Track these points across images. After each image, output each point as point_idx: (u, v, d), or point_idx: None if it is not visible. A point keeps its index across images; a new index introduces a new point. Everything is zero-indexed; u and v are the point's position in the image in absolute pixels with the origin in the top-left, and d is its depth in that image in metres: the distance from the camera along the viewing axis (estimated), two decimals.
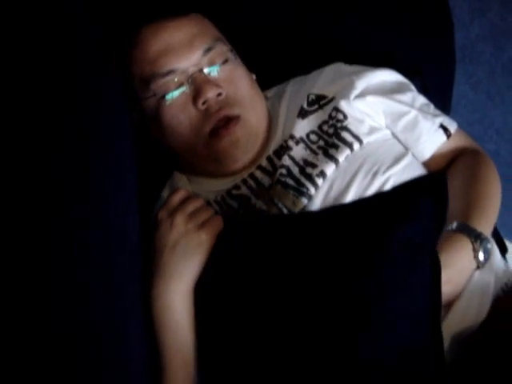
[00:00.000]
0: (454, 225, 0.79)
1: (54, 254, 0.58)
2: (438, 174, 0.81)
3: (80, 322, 0.58)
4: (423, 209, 0.64)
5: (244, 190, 0.87)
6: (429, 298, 0.62)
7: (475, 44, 1.39)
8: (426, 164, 0.93)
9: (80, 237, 0.62)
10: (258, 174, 0.88)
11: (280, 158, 0.87)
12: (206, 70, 0.85)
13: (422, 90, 1.03)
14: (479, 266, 0.78)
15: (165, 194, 0.91)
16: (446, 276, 0.72)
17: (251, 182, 0.87)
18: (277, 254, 0.67)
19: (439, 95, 1.13)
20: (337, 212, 0.69)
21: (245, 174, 0.88)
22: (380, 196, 0.71)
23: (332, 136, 0.86)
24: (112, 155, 0.75)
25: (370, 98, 0.91)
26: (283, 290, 0.64)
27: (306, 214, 0.74)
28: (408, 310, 0.61)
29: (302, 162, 0.86)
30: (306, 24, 1.07)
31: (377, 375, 0.58)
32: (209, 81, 0.84)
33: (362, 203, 0.69)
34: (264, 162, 0.88)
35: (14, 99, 0.63)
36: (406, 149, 0.91)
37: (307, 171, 0.84)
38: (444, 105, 1.13)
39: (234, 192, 0.87)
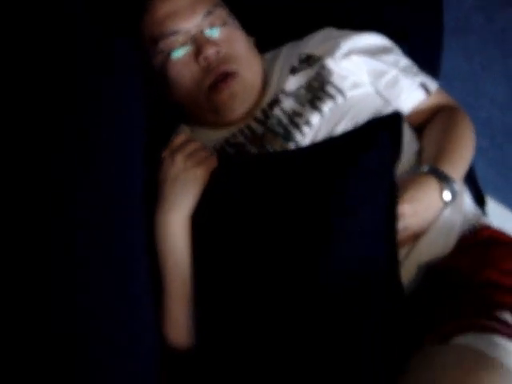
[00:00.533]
0: (425, 168, 0.89)
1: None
2: (395, 112, 0.89)
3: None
4: (380, 141, 0.74)
5: (240, 138, 0.97)
6: (385, 215, 0.72)
7: (468, 15, 1.47)
8: (407, 118, 1.03)
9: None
10: (253, 124, 0.98)
11: (272, 109, 0.98)
12: (206, 31, 0.95)
13: (409, 53, 1.12)
14: (445, 204, 0.88)
15: None
16: (412, 209, 0.83)
17: (247, 132, 0.98)
18: (258, 183, 0.78)
19: (427, 61, 1.21)
20: (309, 148, 0.79)
21: (241, 125, 0.99)
22: (346, 133, 0.82)
23: (318, 90, 0.96)
24: (119, 113, 0.85)
25: (354, 58, 1.01)
26: (262, 212, 0.76)
27: (285, 152, 0.85)
28: (367, 226, 0.72)
29: (291, 113, 0.96)
30: None
31: (336, 283, 0.69)
32: (209, 40, 0.95)
33: (331, 140, 0.79)
34: (258, 114, 0.99)
35: (16, 95, 0.68)
36: (388, 104, 1.00)
37: (295, 120, 0.94)
38: (432, 71, 1.21)
39: (232, 140, 0.98)
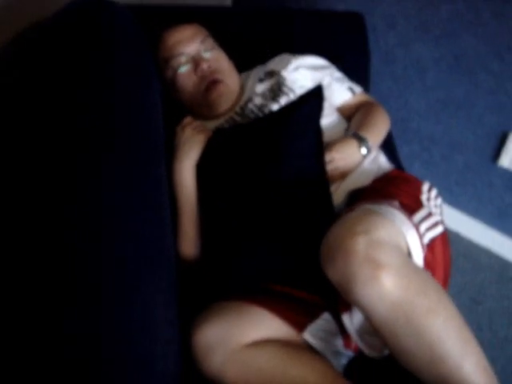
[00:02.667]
0: (349, 133, 1.37)
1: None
2: (316, 89, 1.36)
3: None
4: (309, 100, 1.23)
5: (225, 126, 1.44)
6: (315, 146, 1.19)
7: (392, 49, 1.98)
8: (338, 111, 1.50)
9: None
10: (235, 116, 1.45)
11: (247, 105, 1.45)
12: (201, 53, 1.44)
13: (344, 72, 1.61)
14: (363, 156, 1.34)
15: None
16: (339, 156, 1.30)
17: (230, 121, 1.44)
18: (233, 141, 1.26)
19: (359, 79, 1.69)
20: (268, 114, 1.28)
21: (226, 117, 1.45)
22: (290, 102, 1.30)
23: (277, 90, 1.44)
24: (151, 106, 1.29)
25: (301, 70, 1.49)
26: (238, 151, 1.23)
27: (249, 122, 1.33)
28: (304, 150, 1.19)
29: (260, 106, 1.43)
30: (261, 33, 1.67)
31: (284, 185, 1.15)
32: (203, 59, 1.43)
33: (282, 108, 1.28)
34: (238, 109, 1.46)
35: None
36: (325, 100, 1.49)
37: (262, 110, 1.41)
38: (362, 85, 1.70)
39: (220, 128, 1.45)
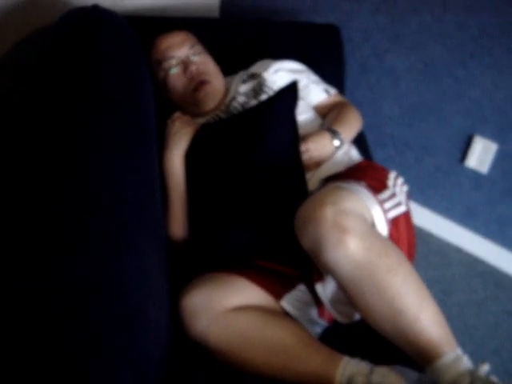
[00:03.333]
0: (324, 127, 1.52)
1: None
2: (292, 84, 1.51)
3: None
4: (285, 94, 1.38)
5: (212, 122, 1.59)
6: (291, 134, 1.34)
7: (367, 60, 2.14)
8: (315, 109, 1.65)
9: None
10: (220, 113, 1.59)
11: (231, 103, 1.59)
12: (190, 57, 1.59)
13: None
14: (336, 148, 1.48)
15: None
16: (314, 146, 1.43)
17: (216, 118, 1.58)
18: (218, 132, 1.40)
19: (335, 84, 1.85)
20: (248, 108, 1.43)
21: (213, 114, 1.59)
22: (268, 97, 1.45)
23: (258, 89, 1.58)
24: (141, 116, 1.43)
25: (281, 73, 1.63)
26: (220, 147, 1.37)
27: (232, 115, 1.47)
28: (281, 137, 1.33)
29: (243, 104, 1.57)
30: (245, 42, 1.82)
31: (262, 174, 1.29)
32: (192, 62, 1.57)
33: (261, 102, 1.43)
34: (223, 107, 1.60)
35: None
36: (302, 99, 1.63)
37: (245, 107, 1.56)
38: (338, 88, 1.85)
39: (207, 122, 1.59)
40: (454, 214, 2.16)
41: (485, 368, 1.01)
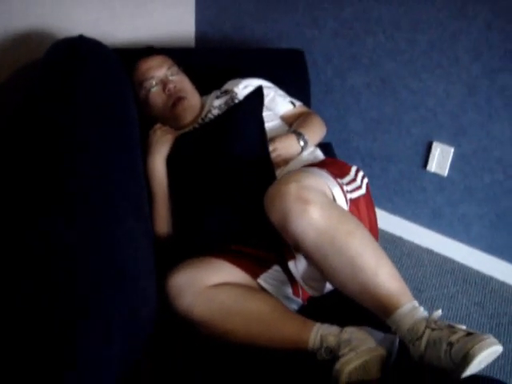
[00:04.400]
0: (291, 130, 1.69)
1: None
2: (257, 89, 1.69)
3: None
4: (251, 97, 1.56)
5: None
6: (259, 133, 1.51)
7: (330, 80, 2.34)
8: (281, 118, 1.83)
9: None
10: (197, 126, 1.77)
11: (207, 116, 1.77)
12: (168, 77, 1.77)
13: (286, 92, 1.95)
14: (302, 147, 1.65)
15: None
16: (281, 146, 1.60)
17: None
18: (194, 136, 1.57)
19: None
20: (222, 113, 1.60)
21: (190, 127, 1.75)
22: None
23: (230, 103, 1.76)
24: (126, 124, 1.61)
25: (250, 88, 1.80)
26: (197, 147, 1.53)
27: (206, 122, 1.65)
28: (250, 133, 1.50)
29: (216, 115, 1.76)
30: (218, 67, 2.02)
31: (235, 167, 1.46)
32: (170, 81, 1.75)
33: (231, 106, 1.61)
34: (200, 120, 1.76)
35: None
36: (269, 110, 1.81)
37: None
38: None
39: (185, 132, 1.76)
40: (422, 218, 2.32)
41: (438, 313, 1.15)
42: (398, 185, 2.33)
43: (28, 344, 0.88)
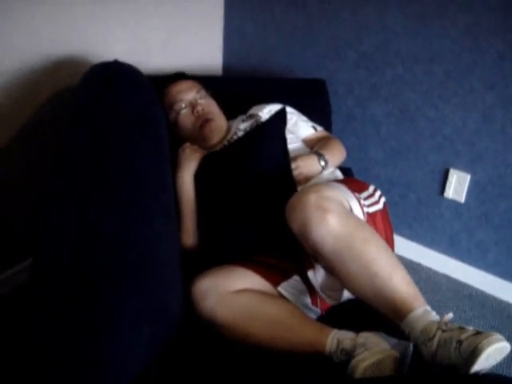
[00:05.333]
0: (313, 151, 1.79)
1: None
2: (281, 110, 1.80)
3: None
4: (275, 118, 1.66)
5: None
6: (282, 150, 1.61)
7: (351, 109, 2.44)
8: (303, 141, 1.93)
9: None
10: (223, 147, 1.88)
11: (232, 138, 1.88)
12: (197, 100, 1.89)
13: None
14: (322, 167, 1.75)
15: None
16: (303, 164, 1.69)
17: None
18: (218, 157, 1.67)
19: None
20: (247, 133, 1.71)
21: (217, 148, 1.88)
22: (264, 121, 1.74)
23: (255, 126, 1.87)
24: (157, 148, 1.72)
25: (273, 113, 1.94)
26: (224, 165, 1.63)
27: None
28: (274, 151, 1.60)
29: None
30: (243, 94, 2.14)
31: (259, 184, 1.56)
32: (198, 104, 1.87)
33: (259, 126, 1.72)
34: (226, 142, 1.87)
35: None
36: (292, 133, 1.91)
37: None
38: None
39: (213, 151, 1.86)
40: (439, 244, 2.38)
41: (449, 316, 1.21)
42: (417, 211, 2.39)
43: (68, 322, 0.97)
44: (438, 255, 2.40)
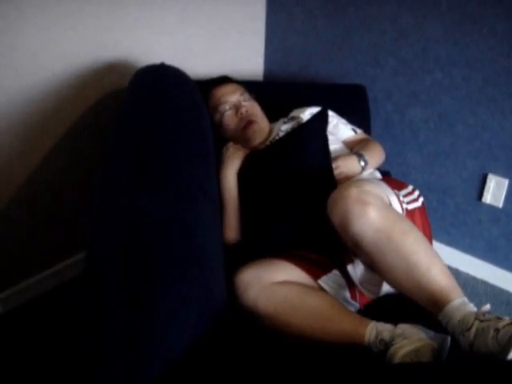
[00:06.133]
0: (353, 152, 1.84)
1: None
2: (322, 109, 1.85)
3: None
4: (318, 118, 1.71)
5: None
6: (324, 149, 1.66)
7: (389, 115, 2.48)
8: (344, 143, 1.98)
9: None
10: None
11: (274, 139, 1.94)
12: (241, 102, 1.96)
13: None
14: (362, 167, 1.79)
15: None
16: (343, 164, 1.74)
17: None
18: (261, 156, 1.73)
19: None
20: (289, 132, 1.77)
21: (261, 148, 1.94)
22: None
23: (298, 126, 1.93)
24: (204, 145, 1.80)
25: None
26: (267, 162, 1.69)
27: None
28: (315, 149, 1.65)
29: None
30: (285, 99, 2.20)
31: (300, 181, 1.61)
32: (242, 106, 1.94)
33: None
34: (268, 143, 1.94)
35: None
36: (332, 135, 1.97)
37: None
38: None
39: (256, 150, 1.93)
40: (477, 249, 2.39)
41: (487, 307, 1.24)
42: (455, 217, 2.41)
43: (119, 303, 1.04)
44: (475, 261, 2.41)
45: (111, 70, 2.06)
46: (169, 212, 1.21)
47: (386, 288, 1.49)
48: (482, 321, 1.19)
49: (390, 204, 1.45)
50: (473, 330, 1.18)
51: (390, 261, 1.33)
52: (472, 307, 1.26)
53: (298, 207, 1.61)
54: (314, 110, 1.98)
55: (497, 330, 1.13)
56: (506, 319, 1.16)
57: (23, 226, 2.02)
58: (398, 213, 1.42)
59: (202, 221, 1.30)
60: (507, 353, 1.10)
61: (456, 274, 2.46)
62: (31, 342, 1.89)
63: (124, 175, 1.29)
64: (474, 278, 2.43)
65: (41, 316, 2.05)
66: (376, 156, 1.89)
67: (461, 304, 1.25)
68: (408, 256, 1.31)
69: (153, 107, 1.56)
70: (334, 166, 1.71)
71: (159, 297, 1.08)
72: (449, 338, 1.27)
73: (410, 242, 1.32)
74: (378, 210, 1.33)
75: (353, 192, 1.35)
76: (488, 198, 2.27)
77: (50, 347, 1.81)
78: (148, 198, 1.21)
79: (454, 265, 2.48)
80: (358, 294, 1.55)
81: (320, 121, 1.74)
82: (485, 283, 2.40)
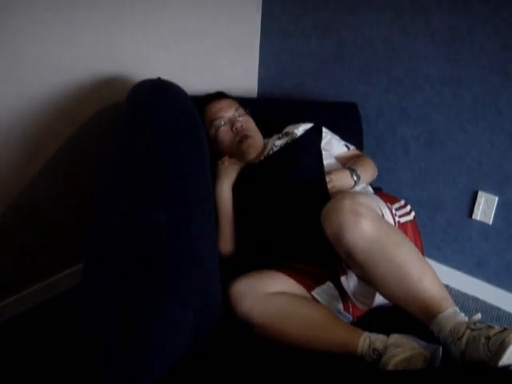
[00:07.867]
0: (346, 167, 1.87)
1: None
2: (316, 124, 1.89)
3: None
4: (312, 132, 1.74)
5: None
6: (318, 162, 1.69)
7: (382, 132, 2.52)
8: (336, 158, 2.01)
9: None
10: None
11: (269, 154, 1.97)
12: (236, 117, 1.99)
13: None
14: (355, 182, 1.82)
15: None
16: (336, 178, 1.76)
17: None
18: (256, 170, 1.75)
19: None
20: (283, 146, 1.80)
21: (255, 162, 1.97)
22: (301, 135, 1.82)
23: (292, 140, 1.97)
24: (200, 157, 1.83)
25: None
26: (261, 175, 1.72)
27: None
28: (309, 162, 1.68)
29: None
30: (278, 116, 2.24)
31: (294, 195, 1.64)
32: (237, 121, 1.98)
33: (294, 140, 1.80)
34: (262, 158, 1.98)
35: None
36: (325, 151, 2.00)
37: None
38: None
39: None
40: (467, 266, 2.41)
41: (477, 316, 1.27)
42: (445, 233, 2.44)
43: (119, 302, 1.05)
44: (466, 277, 2.43)
45: (109, 83, 2.09)
46: (167, 218, 1.23)
47: (378, 300, 1.51)
48: (473, 329, 1.21)
49: (383, 216, 1.47)
50: (464, 339, 1.20)
51: (382, 271, 1.35)
52: (463, 316, 1.28)
53: (293, 220, 1.63)
54: (308, 126, 2.01)
55: (488, 338, 1.15)
56: (497, 327, 1.19)
57: (22, 237, 2.03)
58: (390, 224, 1.44)
59: (199, 227, 1.32)
60: (498, 360, 1.12)
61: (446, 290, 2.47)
62: (28, 352, 1.89)
63: (124, 184, 1.31)
64: (464, 295, 2.46)
65: (40, 324, 2.05)
66: (368, 171, 1.92)
67: (452, 313, 1.28)
68: (400, 266, 1.33)
69: (152, 120, 1.59)
70: (327, 179, 1.73)
71: (157, 300, 1.10)
72: (441, 348, 1.29)
73: (403, 253, 1.35)
74: (371, 221, 1.35)
75: (346, 203, 1.37)
76: (478, 214, 2.31)
77: (47, 356, 1.80)
78: (148, 205, 1.23)
79: (445, 281, 2.49)
80: (350, 305, 1.57)
81: (314, 135, 1.77)
82: (475, 299, 2.42)
